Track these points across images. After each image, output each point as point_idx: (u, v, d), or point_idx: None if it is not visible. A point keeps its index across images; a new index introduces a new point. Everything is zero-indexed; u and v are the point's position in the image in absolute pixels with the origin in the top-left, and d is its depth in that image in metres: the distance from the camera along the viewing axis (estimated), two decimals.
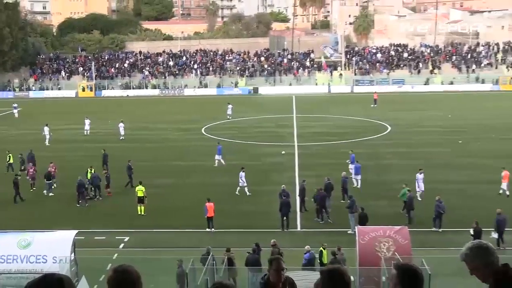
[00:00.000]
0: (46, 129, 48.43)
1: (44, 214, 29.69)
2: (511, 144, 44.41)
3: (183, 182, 35.48)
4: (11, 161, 38.29)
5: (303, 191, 29.56)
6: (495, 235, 23.63)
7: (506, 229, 23.79)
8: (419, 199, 29.64)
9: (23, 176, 34.88)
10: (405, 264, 4.34)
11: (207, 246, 21.00)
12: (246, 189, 32.27)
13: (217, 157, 39.35)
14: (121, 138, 49.47)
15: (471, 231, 22.82)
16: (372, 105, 66.19)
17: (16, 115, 65.69)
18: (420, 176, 30.37)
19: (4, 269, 19.99)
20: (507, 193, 30.72)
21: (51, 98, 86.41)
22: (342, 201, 29.34)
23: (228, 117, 60.10)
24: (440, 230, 26.03)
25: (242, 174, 32.11)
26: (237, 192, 32.28)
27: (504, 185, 31.15)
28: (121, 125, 50.04)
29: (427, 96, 78.08)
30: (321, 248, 21.18)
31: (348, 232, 25.72)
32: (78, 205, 31.22)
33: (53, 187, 33.72)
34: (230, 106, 60.93)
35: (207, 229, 26.94)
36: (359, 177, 33.11)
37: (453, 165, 37.21)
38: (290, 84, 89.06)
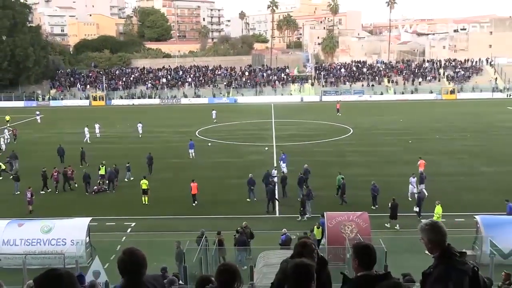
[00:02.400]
0: (86, 129, 48.61)
1: (62, 204, 29.38)
2: (451, 142, 45.02)
3: (180, 176, 35.20)
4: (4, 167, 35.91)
5: (285, 179, 29.67)
6: (416, 209, 24.92)
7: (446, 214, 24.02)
8: (410, 199, 27.94)
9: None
10: (359, 242, 4.49)
11: (201, 229, 20.83)
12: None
13: (190, 150, 40.19)
14: (139, 136, 50.61)
15: (389, 205, 24.02)
16: (337, 114, 65.91)
17: (39, 121, 65.07)
18: (413, 179, 28.79)
19: (29, 250, 19.85)
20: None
21: (68, 107, 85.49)
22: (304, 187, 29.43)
23: (214, 120, 60.31)
24: (375, 207, 26.34)
25: (274, 171, 31.12)
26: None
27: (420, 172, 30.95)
28: (139, 125, 51.09)
29: (383, 104, 78.64)
30: (315, 227, 21.31)
31: (306, 217, 25.65)
32: (87, 193, 31.14)
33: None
34: (214, 111, 61.93)
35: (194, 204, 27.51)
36: (284, 165, 33.91)
37: (404, 161, 37.41)
38: (257, 94, 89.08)
